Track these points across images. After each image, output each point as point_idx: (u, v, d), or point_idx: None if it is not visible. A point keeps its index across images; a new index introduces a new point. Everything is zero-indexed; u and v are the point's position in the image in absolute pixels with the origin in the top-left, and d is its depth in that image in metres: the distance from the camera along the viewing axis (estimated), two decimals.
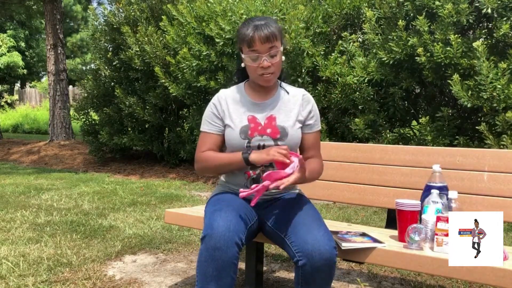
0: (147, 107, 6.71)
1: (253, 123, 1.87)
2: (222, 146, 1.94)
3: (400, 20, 4.41)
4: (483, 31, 4.41)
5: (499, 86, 3.85)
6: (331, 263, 1.62)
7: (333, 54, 5.03)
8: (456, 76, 4.04)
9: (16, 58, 18.99)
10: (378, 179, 2.29)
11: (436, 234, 1.67)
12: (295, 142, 1.89)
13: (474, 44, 3.94)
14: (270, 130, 1.86)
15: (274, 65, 1.81)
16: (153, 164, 7.39)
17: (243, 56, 1.85)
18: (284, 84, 1.99)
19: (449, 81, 4.12)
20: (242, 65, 1.91)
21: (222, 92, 1.97)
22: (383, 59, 4.58)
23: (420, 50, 4.25)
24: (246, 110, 1.90)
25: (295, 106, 1.92)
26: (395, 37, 4.52)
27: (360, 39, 5.31)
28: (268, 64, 1.80)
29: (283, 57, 1.89)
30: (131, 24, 6.87)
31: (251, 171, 1.87)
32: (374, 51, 4.75)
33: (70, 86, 14.91)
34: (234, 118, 1.88)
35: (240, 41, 1.85)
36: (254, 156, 1.77)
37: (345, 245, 1.74)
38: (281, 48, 1.84)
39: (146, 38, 6.30)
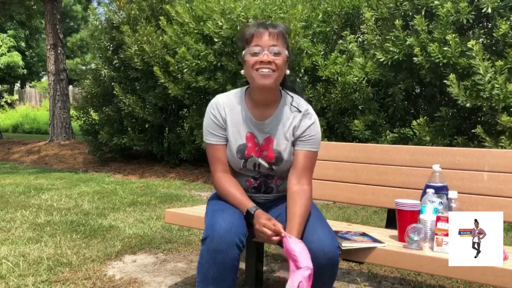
0: (147, 106, 6.70)
1: (251, 142, 1.81)
2: None
3: (397, 20, 4.39)
4: (482, 31, 4.40)
5: (497, 86, 3.84)
6: (335, 263, 1.62)
7: (333, 53, 5.03)
8: (452, 76, 4.02)
9: (16, 58, 18.96)
10: (378, 179, 2.28)
11: (436, 234, 1.67)
12: (288, 168, 1.84)
13: (469, 44, 3.92)
14: (266, 154, 1.81)
15: (275, 63, 1.68)
16: (153, 164, 7.38)
17: (243, 53, 1.73)
18: (289, 99, 1.84)
19: (445, 81, 4.11)
20: (242, 72, 1.81)
21: (220, 99, 1.84)
22: (380, 59, 4.57)
23: (417, 50, 4.24)
24: (245, 127, 1.82)
25: (294, 121, 1.80)
26: (392, 37, 4.51)
27: (360, 39, 5.31)
28: (269, 59, 1.67)
29: (288, 71, 1.78)
30: (131, 23, 6.86)
31: (252, 180, 1.87)
32: (372, 51, 4.74)
33: (70, 86, 14.89)
34: (233, 133, 1.81)
35: (242, 39, 1.77)
36: (256, 217, 1.68)
37: (345, 245, 1.74)
38: (286, 53, 1.72)
39: (145, 38, 6.29)
